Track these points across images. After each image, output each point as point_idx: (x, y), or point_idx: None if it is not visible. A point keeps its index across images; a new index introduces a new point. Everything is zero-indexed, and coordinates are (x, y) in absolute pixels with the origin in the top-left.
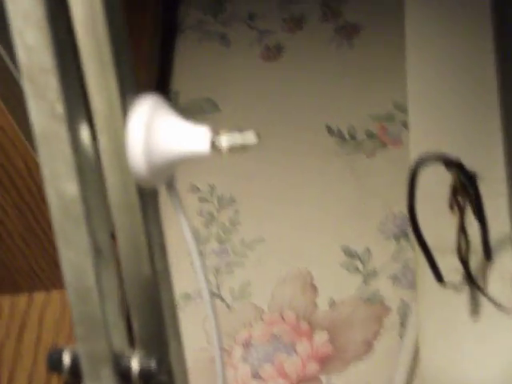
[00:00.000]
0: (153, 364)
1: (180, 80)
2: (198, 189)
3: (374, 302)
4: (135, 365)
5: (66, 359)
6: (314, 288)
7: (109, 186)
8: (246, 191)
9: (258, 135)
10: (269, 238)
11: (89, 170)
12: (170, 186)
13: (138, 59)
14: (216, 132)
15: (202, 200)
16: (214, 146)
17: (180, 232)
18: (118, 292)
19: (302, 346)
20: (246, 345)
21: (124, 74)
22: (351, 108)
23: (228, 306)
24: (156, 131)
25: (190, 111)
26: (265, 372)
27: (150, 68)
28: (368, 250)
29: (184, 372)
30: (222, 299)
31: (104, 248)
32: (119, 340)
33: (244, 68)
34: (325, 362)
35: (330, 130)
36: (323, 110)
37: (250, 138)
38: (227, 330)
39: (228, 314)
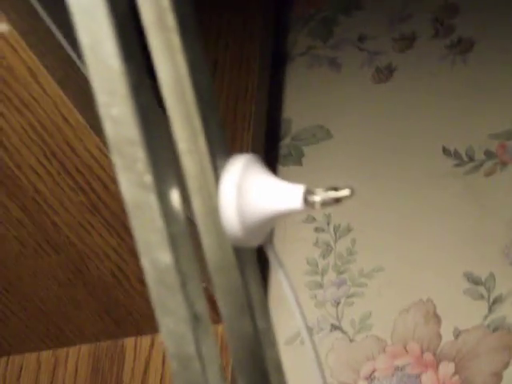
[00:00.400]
0: None
1: (291, 108)
2: (314, 219)
3: (502, 330)
4: None
5: None
6: (438, 318)
7: (205, 248)
8: (363, 219)
9: (352, 190)
10: (388, 267)
11: (181, 237)
12: (267, 243)
13: (249, 90)
14: (308, 188)
15: (319, 230)
16: (307, 202)
17: (296, 263)
18: (219, 357)
19: (428, 379)
20: (370, 379)
21: (214, 136)
22: (468, 127)
23: (350, 339)
24: (248, 191)
25: (302, 139)
26: None
27: (260, 98)
28: (492, 276)
29: None
30: (344, 332)
31: (202, 315)
32: None
33: (355, 92)
34: None
35: (446, 151)
36: (438, 131)
37: (343, 193)
38: (350, 363)
39: (350, 347)
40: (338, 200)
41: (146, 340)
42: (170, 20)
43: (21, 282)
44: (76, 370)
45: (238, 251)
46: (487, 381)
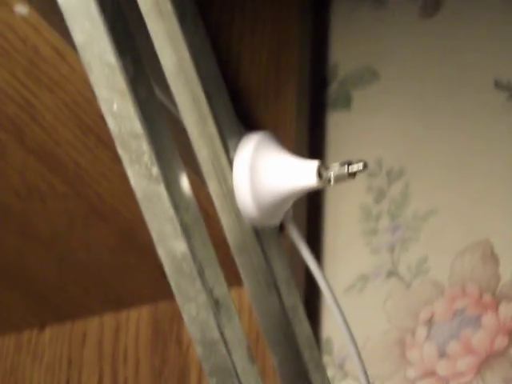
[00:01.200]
0: None
1: (337, 51)
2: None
3: None
4: None
5: None
6: (495, 258)
7: (225, 229)
8: (415, 161)
9: (366, 164)
10: (442, 209)
11: (195, 224)
12: (288, 221)
13: (291, 38)
14: (322, 163)
15: (371, 175)
16: (321, 177)
17: (349, 210)
18: (245, 338)
19: (488, 320)
20: (430, 323)
21: (223, 118)
22: None
23: (407, 285)
24: (261, 171)
25: (350, 83)
26: (451, 349)
27: (303, 45)
28: None
29: None
30: (400, 277)
31: (223, 299)
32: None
33: (402, 28)
34: None
35: (498, 83)
36: (490, 64)
37: (357, 167)
38: (409, 309)
39: (408, 293)
40: (352, 174)
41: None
42: (167, 5)
43: (74, 253)
44: (137, 332)
45: (259, 230)
46: None
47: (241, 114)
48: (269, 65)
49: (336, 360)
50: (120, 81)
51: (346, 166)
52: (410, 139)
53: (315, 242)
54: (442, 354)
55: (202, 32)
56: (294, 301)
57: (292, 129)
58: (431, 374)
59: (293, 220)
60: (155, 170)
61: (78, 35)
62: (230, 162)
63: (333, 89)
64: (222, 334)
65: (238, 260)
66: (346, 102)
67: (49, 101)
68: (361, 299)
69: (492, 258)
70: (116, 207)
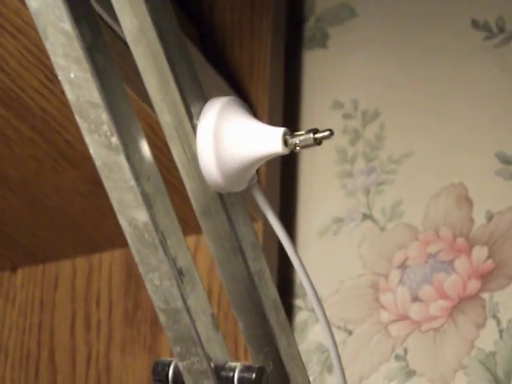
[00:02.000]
0: (253, 374)
1: None
2: (342, 105)
3: None
4: (236, 375)
5: (171, 371)
6: (470, 201)
7: (189, 194)
8: (390, 103)
9: (332, 132)
10: (418, 152)
11: (157, 194)
12: (252, 187)
13: None
14: (287, 131)
15: (346, 116)
16: (286, 144)
17: (325, 152)
18: (209, 306)
19: (461, 264)
20: (403, 267)
21: (187, 83)
22: None
23: (381, 228)
24: (225, 137)
25: (326, 20)
26: (424, 294)
27: None
28: None
29: (299, 366)
30: (375, 221)
31: (187, 268)
32: (219, 352)
33: None
34: (486, 279)
35: (475, 24)
36: (467, 3)
37: (323, 134)
38: (383, 252)
39: (382, 236)
40: (318, 141)
41: (190, 240)
42: None
43: (44, 197)
44: (110, 275)
45: (224, 196)
46: None
47: (215, 53)
48: (243, 2)
49: (309, 304)
50: (77, 49)
51: (312, 133)
52: (386, 80)
53: (290, 184)
54: (415, 298)
55: None
56: (260, 265)
57: (266, 68)
58: (404, 317)
59: (258, 185)
60: (115, 140)
61: (32, 1)
62: (194, 128)
63: (309, 26)
64: (185, 302)
65: (203, 225)
66: (322, 40)
67: (11, 47)
68: (335, 242)
69: (466, 201)
70: (85, 153)
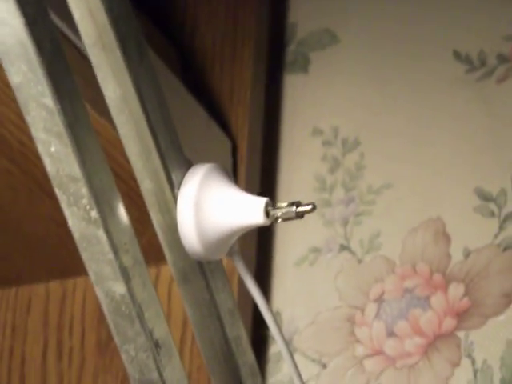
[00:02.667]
0: None
1: (297, 11)
2: (322, 132)
3: None
4: None
5: None
6: (447, 237)
7: (168, 261)
8: (371, 131)
9: (314, 206)
10: (397, 183)
11: (135, 266)
12: (234, 254)
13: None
14: (269, 202)
15: (326, 144)
16: (268, 215)
17: (303, 179)
18: (185, 377)
19: (437, 301)
20: (380, 301)
21: (169, 150)
22: (480, 30)
23: (359, 260)
24: (206, 207)
25: (308, 45)
26: (400, 329)
27: (261, 3)
28: (504, 192)
29: None
30: (352, 252)
31: (164, 340)
32: None
33: None
34: (462, 318)
35: (457, 55)
36: (449, 35)
37: (306, 208)
38: (360, 285)
39: (359, 268)
40: (300, 215)
41: (152, 271)
42: (111, 38)
43: (19, 224)
44: (84, 301)
45: (203, 263)
46: (497, 302)
47: (195, 76)
48: (226, 25)
49: (284, 335)
50: (58, 124)
51: (295, 206)
52: (368, 108)
53: None
54: (391, 334)
55: (147, 62)
56: (237, 332)
57: (247, 94)
58: (379, 352)
59: (239, 253)
60: (94, 214)
61: (14, 76)
62: (175, 197)
63: (291, 50)
64: (161, 375)
65: (181, 290)
66: (303, 65)
67: None
68: (312, 273)
69: (444, 237)
70: None
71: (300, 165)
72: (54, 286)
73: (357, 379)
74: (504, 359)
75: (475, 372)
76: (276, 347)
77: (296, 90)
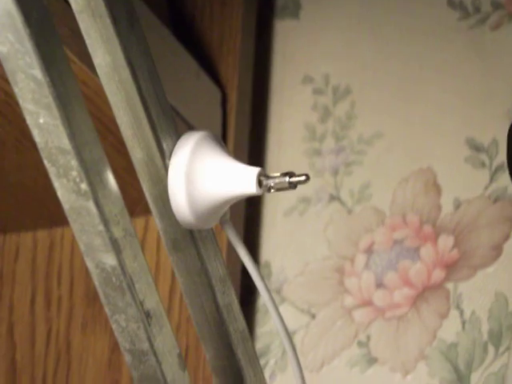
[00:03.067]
0: None
1: None
2: (312, 79)
3: (503, 200)
4: None
5: None
6: (438, 187)
7: (159, 229)
8: (363, 80)
9: (308, 176)
10: (388, 133)
11: (126, 238)
12: (224, 223)
13: None
14: (262, 171)
15: (317, 92)
16: (261, 185)
17: (293, 129)
18: (176, 347)
19: (427, 252)
20: (369, 252)
21: (159, 118)
22: None
23: (348, 210)
24: (197, 177)
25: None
26: (389, 280)
27: None
28: (495, 142)
29: None
30: (342, 203)
31: (155, 310)
32: None
33: None
34: (451, 269)
35: (451, 2)
36: None
37: (299, 179)
38: (349, 235)
39: (349, 219)
40: (293, 185)
41: (140, 221)
42: (100, 6)
43: (7, 174)
44: (72, 251)
45: (194, 232)
46: (487, 254)
47: (185, 27)
48: None
49: (273, 284)
50: (47, 95)
51: (288, 176)
52: (359, 56)
53: (258, 160)
54: (380, 285)
55: (137, 30)
56: (229, 299)
57: (237, 43)
58: (368, 303)
59: (230, 221)
60: (84, 186)
61: (2, 46)
62: (166, 167)
63: None
64: (152, 345)
65: (172, 258)
66: (294, 10)
67: None
68: (301, 223)
69: (434, 187)
70: None
71: (290, 114)
72: (42, 234)
73: (345, 330)
74: (492, 311)
75: (463, 323)
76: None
77: (287, 37)
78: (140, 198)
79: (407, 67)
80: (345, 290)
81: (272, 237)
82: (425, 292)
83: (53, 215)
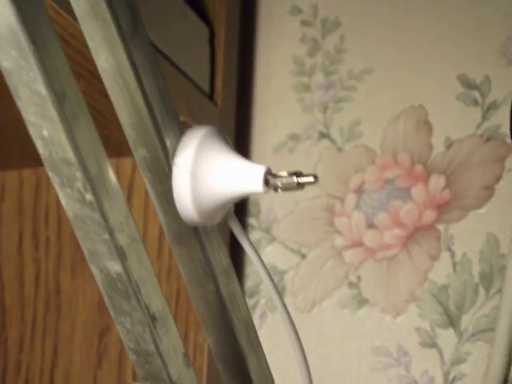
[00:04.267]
0: None
1: None
2: (300, 10)
3: (495, 140)
4: None
5: None
6: (429, 125)
7: (162, 224)
8: (352, 12)
9: (316, 177)
10: (378, 68)
11: (131, 245)
12: (228, 218)
13: None
14: (269, 169)
15: (305, 23)
16: (268, 184)
17: (281, 61)
18: (181, 345)
19: (418, 192)
20: (359, 191)
21: (164, 118)
22: None
23: (338, 148)
24: (202, 175)
25: None
26: (380, 221)
27: None
28: (488, 79)
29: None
30: (332, 140)
31: (160, 314)
32: None
33: None
34: (442, 210)
35: None
36: None
37: (307, 179)
38: (339, 174)
39: (339, 157)
40: (301, 186)
41: (128, 162)
42: (103, 9)
43: None
44: None
45: (198, 227)
46: (478, 194)
47: None
48: None
49: (263, 224)
50: (50, 109)
51: (295, 176)
52: None
53: (245, 95)
54: (370, 225)
55: (142, 33)
56: (232, 290)
57: None
58: (359, 244)
59: (234, 216)
60: (89, 197)
61: (4, 62)
62: (170, 166)
63: None
64: (157, 347)
65: (175, 251)
66: None
67: None
68: (291, 160)
69: (425, 125)
70: None
71: (278, 46)
72: (28, 173)
73: (336, 270)
74: (483, 252)
75: (454, 265)
76: (255, 235)
77: None
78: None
79: (397, 0)
80: (335, 230)
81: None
82: (416, 233)
83: (38, 157)
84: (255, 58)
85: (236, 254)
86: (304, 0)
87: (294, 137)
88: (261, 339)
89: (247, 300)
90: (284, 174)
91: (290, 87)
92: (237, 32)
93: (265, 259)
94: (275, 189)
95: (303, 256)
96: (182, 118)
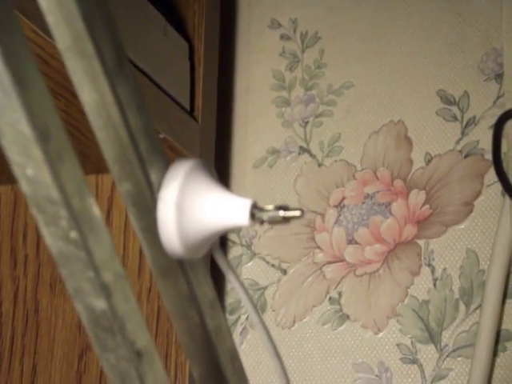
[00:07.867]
0: None
1: None
2: (280, 24)
3: (474, 155)
4: None
5: None
6: (409, 141)
7: (147, 258)
8: (332, 27)
9: (302, 211)
10: (358, 83)
11: (117, 281)
12: (213, 250)
13: None
14: (255, 203)
15: (285, 38)
16: (254, 217)
17: (261, 76)
18: (167, 379)
19: (398, 208)
20: (340, 206)
21: (148, 150)
22: None
23: (319, 164)
24: (188, 209)
25: None
26: (360, 236)
27: None
28: (467, 95)
29: None
30: (312, 155)
31: (146, 349)
32: None
33: None
34: (422, 226)
35: None
36: None
37: (293, 213)
38: (320, 189)
39: (319, 172)
40: (287, 220)
41: (107, 178)
42: (87, 44)
43: None
44: None
45: (183, 260)
46: (458, 210)
47: None
48: None
49: (243, 239)
50: (35, 149)
51: (282, 210)
52: (327, 2)
53: (225, 110)
54: (351, 240)
55: (126, 69)
56: (217, 322)
57: None
58: (339, 259)
59: (219, 249)
60: (73, 235)
61: None
62: (154, 200)
63: None
64: (142, 382)
65: (160, 286)
66: None
67: None
68: (271, 175)
69: (405, 141)
70: None
71: (258, 60)
72: (5, 190)
73: (317, 286)
74: (463, 268)
75: (434, 281)
76: (236, 251)
77: None
78: None
79: (377, 15)
80: (316, 245)
81: (241, 189)
82: (396, 248)
83: None
84: (235, 72)
85: (217, 271)
86: (284, 14)
87: (275, 152)
88: (242, 356)
89: (228, 317)
90: (270, 207)
91: (270, 102)
92: (216, 47)
93: (245, 275)
94: (261, 222)
95: (284, 272)
96: (162, 135)
